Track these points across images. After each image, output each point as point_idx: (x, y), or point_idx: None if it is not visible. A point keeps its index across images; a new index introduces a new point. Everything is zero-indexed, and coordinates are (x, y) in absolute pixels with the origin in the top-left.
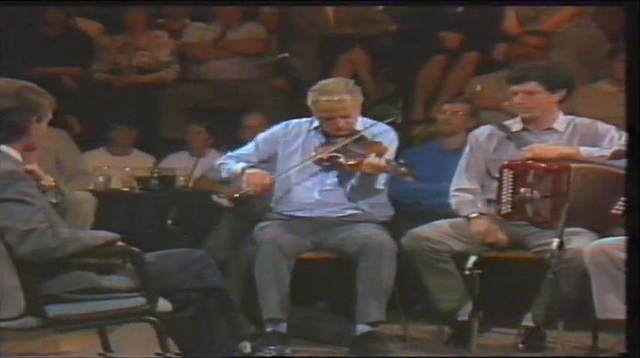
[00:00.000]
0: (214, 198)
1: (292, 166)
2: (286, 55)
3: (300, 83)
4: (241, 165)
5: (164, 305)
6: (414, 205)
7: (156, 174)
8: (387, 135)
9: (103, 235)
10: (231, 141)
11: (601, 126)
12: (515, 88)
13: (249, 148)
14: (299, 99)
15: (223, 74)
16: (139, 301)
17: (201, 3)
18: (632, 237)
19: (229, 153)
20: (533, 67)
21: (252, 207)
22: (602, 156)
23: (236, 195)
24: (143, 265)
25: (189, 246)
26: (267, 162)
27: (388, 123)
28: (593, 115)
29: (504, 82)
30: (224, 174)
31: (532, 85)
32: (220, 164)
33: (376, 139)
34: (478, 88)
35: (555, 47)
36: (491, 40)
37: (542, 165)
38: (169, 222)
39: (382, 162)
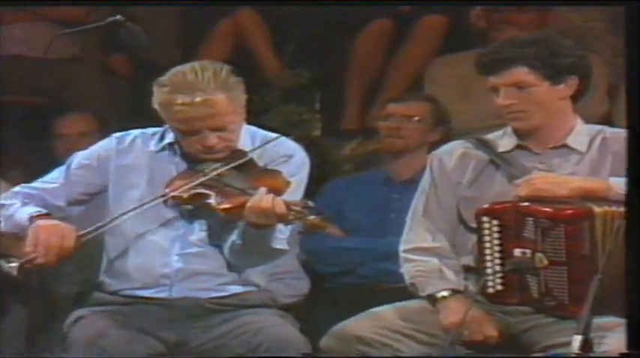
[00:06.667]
0: (2, 264)
1: (127, 210)
2: (119, 18)
3: (148, 65)
4: (29, 210)
5: None
6: (343, 276)
7: None
8: (289, 159)
9: None
10: (36, 160)
11: None
12: (492, 79)
13: (54, 177)
14: (146, 90)
15: (21, 49)
16: None
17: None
18: None
19: (20, 186)
20: (517, 42)
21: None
22: None
23: (12, 265)
24: None
25: None
26: (87, 202)
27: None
28: None
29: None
30: (2, 225)
31: (520, 73)
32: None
33: (271, 166)
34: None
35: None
36: None
37: (547, 209)
38: None
39: (278, 204)
